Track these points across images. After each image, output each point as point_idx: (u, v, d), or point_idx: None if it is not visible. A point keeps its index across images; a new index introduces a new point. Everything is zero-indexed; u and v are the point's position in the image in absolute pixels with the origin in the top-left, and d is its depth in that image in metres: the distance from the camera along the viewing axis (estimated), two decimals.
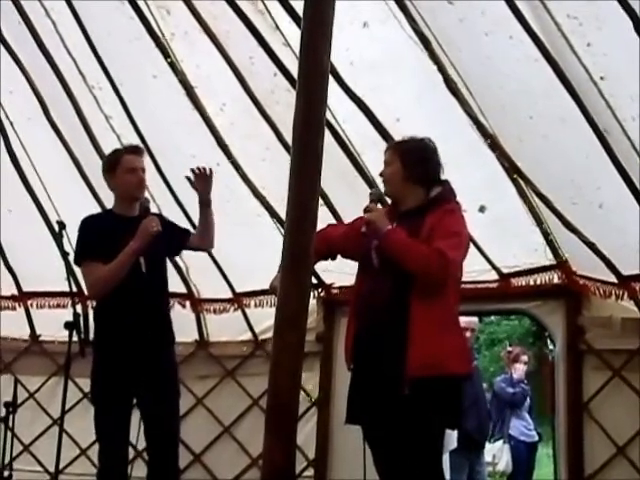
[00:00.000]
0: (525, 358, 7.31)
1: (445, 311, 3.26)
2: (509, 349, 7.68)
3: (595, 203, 4.37)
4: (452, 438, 4.87)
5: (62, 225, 4.04)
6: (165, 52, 4.97)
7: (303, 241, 2.31)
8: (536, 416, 7.59)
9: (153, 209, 5.55)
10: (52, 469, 4.80)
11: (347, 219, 4.37)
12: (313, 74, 2.48)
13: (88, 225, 3.97)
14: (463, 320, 5.27)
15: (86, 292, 4.24)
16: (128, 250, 3.78)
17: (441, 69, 4.30)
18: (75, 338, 3.86)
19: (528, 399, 7.23)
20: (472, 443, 5.29)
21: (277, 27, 4.57)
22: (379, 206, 3.60)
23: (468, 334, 5.52)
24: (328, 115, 4.63)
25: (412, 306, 3.21)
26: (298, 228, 2.32)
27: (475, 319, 5.90)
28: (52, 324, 5.65)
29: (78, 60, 5.19)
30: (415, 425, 3.16)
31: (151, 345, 3.84)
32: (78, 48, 5.13)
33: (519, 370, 7.17)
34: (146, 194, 4.19)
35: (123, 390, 3.80)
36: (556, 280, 4.96)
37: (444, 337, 3.20)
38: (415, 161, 3.44)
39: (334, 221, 5.09)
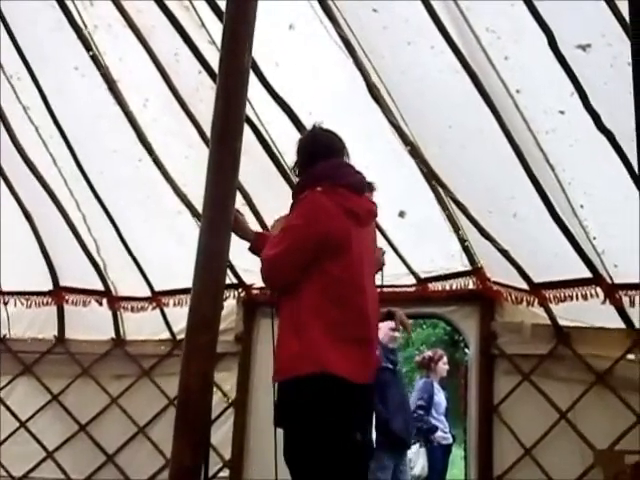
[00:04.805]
0: (445, 359, 7.41)
1: (297, 312, 3.01)
2: (427, 354, 7.68)
3: (509, 212, 4.50)
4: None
5: None
6: (87, 44, 4.86)
7: (218, 241, 2.30)
8: (450, 418, 7.71)
9: (72, 205, 5.51)
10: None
11: (269, 221, 4.36)
12: (233, 73, 2.46)
13: None
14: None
15: None
16: None
17: (364, 75, 4.35)
18: None
19: (444, 402, 7.34)
20: (398, 443, 5.34)
21: (202, 24, 4.53)
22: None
23: (397, 334, 5.46)
24: (253, 116, 4.65)
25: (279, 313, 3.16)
26: (214, 228, 2.31)
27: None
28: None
29: None
30: (285, 428, 3.00)
31: None
32: None
33: (441, 369, 7.24)
34: None
35: None
36: (471, 286, 5.08)
37: (292, 339, 2.99)
38: (298, 155, 3.19)
39: (257, 223, 5.08)
